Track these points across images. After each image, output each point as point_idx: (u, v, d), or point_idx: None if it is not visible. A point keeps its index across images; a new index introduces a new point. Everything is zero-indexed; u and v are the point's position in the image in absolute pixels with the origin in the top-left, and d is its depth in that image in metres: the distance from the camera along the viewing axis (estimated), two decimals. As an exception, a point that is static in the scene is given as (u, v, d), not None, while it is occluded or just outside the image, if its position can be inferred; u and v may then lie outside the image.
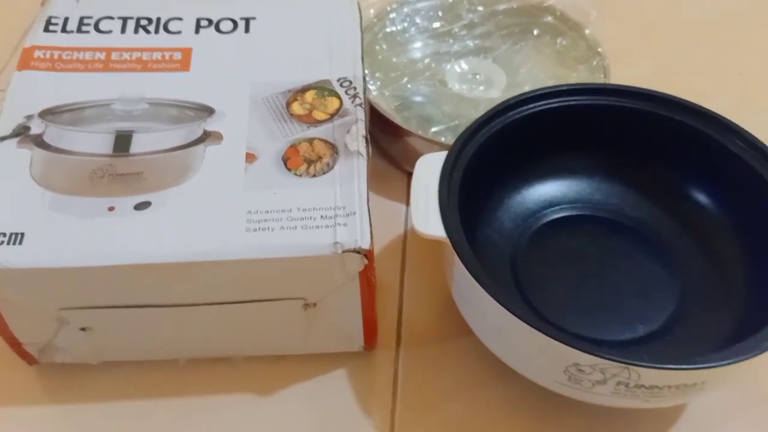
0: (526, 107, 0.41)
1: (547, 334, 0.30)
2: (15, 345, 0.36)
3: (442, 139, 0.46)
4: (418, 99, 0.50)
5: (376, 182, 0.49)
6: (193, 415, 0.38)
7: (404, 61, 0.52)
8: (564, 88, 0.42)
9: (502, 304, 0.31)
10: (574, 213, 0.43)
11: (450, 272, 0.37)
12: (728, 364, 0.30)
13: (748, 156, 0.38)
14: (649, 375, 0.30)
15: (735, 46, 0.60)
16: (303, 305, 0.36)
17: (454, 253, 0.34)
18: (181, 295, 0.34)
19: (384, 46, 0.53)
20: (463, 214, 0.35)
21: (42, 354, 0.38)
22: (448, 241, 0.34)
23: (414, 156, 0.48)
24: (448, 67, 0.52)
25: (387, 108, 0.48)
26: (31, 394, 0.39)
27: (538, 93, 0.41)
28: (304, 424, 0.38)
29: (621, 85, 0.42)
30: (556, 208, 0.43)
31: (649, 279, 0.40)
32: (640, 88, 0.41)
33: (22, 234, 0.32)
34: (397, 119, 0.47)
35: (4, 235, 0.32)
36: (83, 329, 0.36)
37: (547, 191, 0.43)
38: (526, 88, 0.51)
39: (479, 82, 0.52)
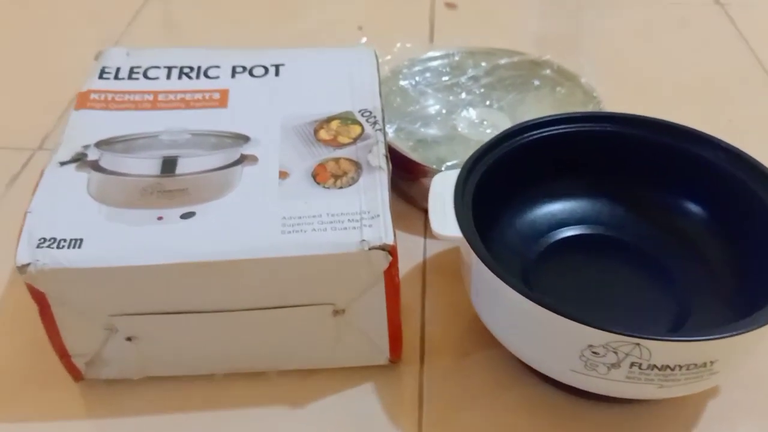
0: (528, 134, 0.45)
1: (562, 314, 0.33)
2: (64, 357, 0.39)
3: (455, 172, 0.50)
4: (431, 141, 0.54)
5: (397, 220, 0.52)
6: (229, 427, 0.40)
7: (418, 110, 0.57)
8: (561, 116, 0.46)
9: (517, 290, 0.34)
10: (579, 232, 0.46)
11: (467, 275, 0.40)
12: (729, 336, 0.32)
13: (730, 166, 0.42)
14: (660, 351, 0.33)
15: (724, 98, 0.65)
16: (332, 311, 0.38)
17: (471, 253, 0.37)
18: (221, 299, 0.37)
19: (398, 99, 0.58)
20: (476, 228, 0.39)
21: (88, 368, 0.40)
22: (464, 241, 0.37)
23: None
24: (459, 114, 0.57)
25: (404, 147, 0.52)
26: (74, 411, 0.41)
27: (538, 121, 0.45)
28: (336, 435, 0.40)
29: (608, 112, 0.46)
30: (563, 228, 0.46)
31: (651, 287, 0.43)
32: (624, 114, 0.45)
33: (81, 239, 0.35)
34: (413, 156, 0.51)
35: (65, 240, 0.35)
36: (129, 339, 0.38)
37: (553, 212, 0.46)
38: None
39: (487, 127, 0.56)
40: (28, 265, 0.34)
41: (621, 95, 0.60)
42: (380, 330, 0.40)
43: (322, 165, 0.40)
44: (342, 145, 0.41)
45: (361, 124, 0.43)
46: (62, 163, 0.39)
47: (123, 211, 0.37)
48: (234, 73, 0.46)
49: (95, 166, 0.39)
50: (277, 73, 0.46)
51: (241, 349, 0.40)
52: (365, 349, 0.41)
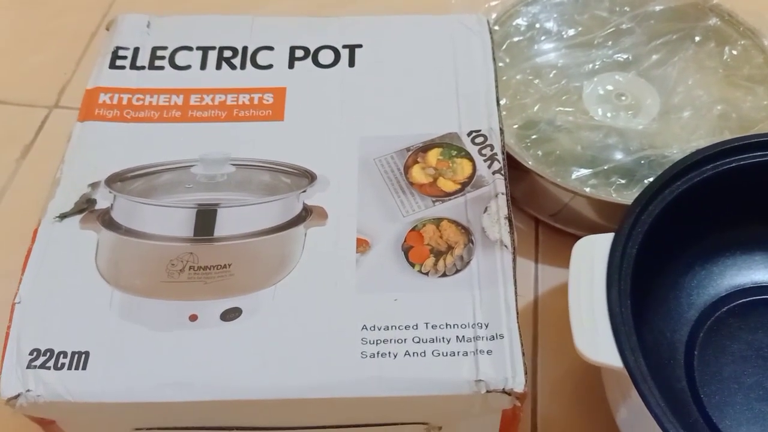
0: (708, 166, 0.32)
1: None
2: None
3: (586, 189, 0.37)
4: (551, 132, 0.41)
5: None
6: None
7: (532, 80, 0.43)
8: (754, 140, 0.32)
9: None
10: (765, 297, 0.34)
11: (616, 396, 0.29)
12: None
13: None
14: None
15: None
16: (425, 429, 0.28)
17: (630, 385, 0.26)
18: (279, 421, 0.27)
19: (507, 60, 0.43)
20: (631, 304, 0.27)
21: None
22: (624, 371, 0.26)
23: (545, 201, 0.40)
24: (587, 87, 0.43)
25: (515, 146, 0.39)
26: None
27: (727, 147, 0.31)
28: None
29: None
30: (742, 290, 0.34)
31: None
32: None
33: (87, 354, 0.26)
34: (528, 161, 0.38)
35: (65, 355, 0.25)
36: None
37: (730, 269, 0.34)
38: (685, 115, 0.42)
39: (626, 106, 0.42)
40: (17, 396, 0.25)
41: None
42: (486, 446, 0.30)
43: (416, 231, 0.28)
44: (445, 195, 0.29)
45: (471, 159, 0.30)
46: (62, 216, 0.29)
47: (143, 302, 0.27)
48: (292, 59, 0.33)
49: (106, 221, 0.29)
50: (351, 61, 0.33)
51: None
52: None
